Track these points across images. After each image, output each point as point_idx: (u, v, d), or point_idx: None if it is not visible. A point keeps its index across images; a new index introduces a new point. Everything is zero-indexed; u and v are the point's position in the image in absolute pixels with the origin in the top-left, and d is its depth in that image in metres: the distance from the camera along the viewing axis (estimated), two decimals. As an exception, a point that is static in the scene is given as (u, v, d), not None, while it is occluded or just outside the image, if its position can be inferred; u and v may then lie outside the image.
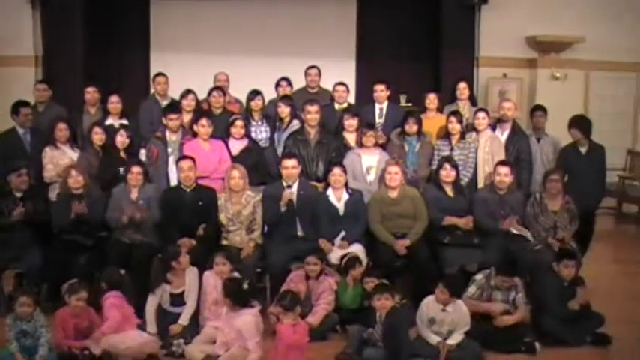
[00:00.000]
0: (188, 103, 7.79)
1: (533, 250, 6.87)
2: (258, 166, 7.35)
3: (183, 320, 5.96)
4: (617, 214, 11.20)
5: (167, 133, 7.46)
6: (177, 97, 8.03)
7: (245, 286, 5.65)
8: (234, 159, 7.26)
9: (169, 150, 7.40)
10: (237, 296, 5.55)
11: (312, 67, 8.61)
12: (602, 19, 11.24)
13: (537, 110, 8.07)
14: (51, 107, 8.15)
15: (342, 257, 6.51)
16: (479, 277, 6.23)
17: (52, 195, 7.19)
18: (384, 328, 5.61)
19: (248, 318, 5.43)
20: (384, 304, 5.67)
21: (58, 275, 6.19)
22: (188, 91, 7.87)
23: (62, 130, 7.30)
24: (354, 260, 6.41)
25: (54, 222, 6.76)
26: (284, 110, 7.68)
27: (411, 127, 7.45)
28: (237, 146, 7.41)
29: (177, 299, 6.03)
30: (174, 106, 7.71)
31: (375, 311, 5.72)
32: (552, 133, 8.02)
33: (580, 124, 7.66)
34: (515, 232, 6.87)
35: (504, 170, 6.97)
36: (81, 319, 5.55)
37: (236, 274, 5.99)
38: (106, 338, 5.48)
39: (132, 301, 5.84)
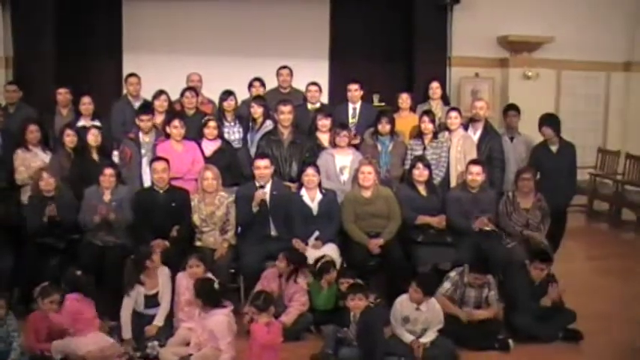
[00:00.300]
0: (160, 104, 7.77)
1: (505, 248, 6.92)
2: (232, 166, 7.33)
3: (159, 321, 5.95)
4: (589, 211, 11.31)
5: (140, 134, 7.41)
6: (150, 98, 8.00)
7: (216, 286, 5.63)
8: (208, 160, 7.24)
9: (143, 151, 7.36)
10: (208, 297, 5.54)
11: (284, 67, 8.60)
12: (571, 19, 11.39)
13: (510, 110, 8.11)
14: (21, 109, 8.09)
15: (317, 261, 6.48)
16: (453, 274, 6.27)
17: (24, 197, 7.10)
18: (358, 327, 5.63)
19: (220, 318, 5.42)
20: (357, 304, 5.67)
21: (30, 279, 6.10)
22: (160, 92, 7.85)
23: (33, 131, 7.23)
24: (328, 265, 6.40)
25: (26, 225, 6.68)
26: (257, 110, 7.68)
27: (384, 127, 7.47)
28: (210, 147, 7.38)
29: (152, 301, 6.01)
30: (147, 107, 7.67)
31: (349, 311, 5.73)
32: (524, 131, 8.08)
33: (551, 122, 7.71)
34: (487, 229, 6.91)
35: (476, 169, 7.00)
36: (53, 322, 5.50)
37: (209, 276, 5.97)
38: (65, 342, 5.45)
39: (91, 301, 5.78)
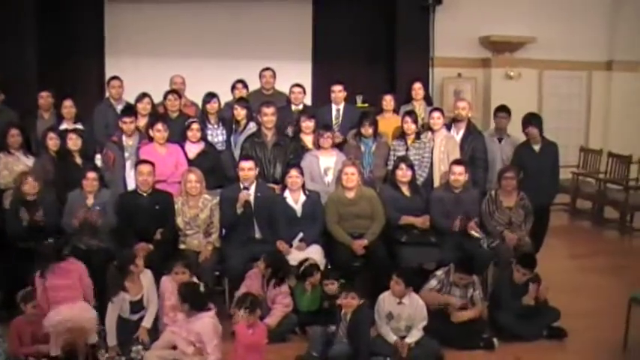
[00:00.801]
0: (144, 107, 7.73)
1: (489, 246, 6.94)
2: (215, 169, 7.32)
3: (147, 323, 5.90)
4: (572, 210, 11.35)
5: (123, 138, 7.39)
6: (132, 101, 7.97)
7: (202, 289, 5.60)
8: (191, 162, 7.22)
9: (126, 154, 7.34)
10: (194, 301, 5.49)
11: (267, 69, 8.60)
12: (553, 20, 11.47)
13: (500, 111, 8.06)
14: (3, 112, 8.03)
15: (300, 264, 6.49)
16: (439, 272, 6.31)
17: (6, 202, 7.06)
18: (350, 325, 5.64)
19: (206, 321, 5.40)
20: (349, 302, 5.68)
21: (13, 283, 6.05)
22: (143, 95, 7.82)
23: (14, 135, 7.18)
24: (312, 268, 6.41)
25: (8, 230, 6.64)
26: (240, 113, 7.67)
27: (367, 130, 7.48)
28: (193, 149, 7.37)
29: (137, 306, 5.94)
30: (130, 110, 7.64)
31: (340, 310, 5.74)
32: (512, 133, 8.09)
33: (537, 121, 7.74)
34: (476, 235, 6.91)
35: (459, 169, 7.02)
36: (37, 326, 5.47)
37: (194, 280, 5.95)
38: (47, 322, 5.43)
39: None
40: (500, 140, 7.93)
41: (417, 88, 8.36)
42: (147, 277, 6.02)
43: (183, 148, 7.34)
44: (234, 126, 7.76)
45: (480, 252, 6.83)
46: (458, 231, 6.91)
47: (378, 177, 7.49)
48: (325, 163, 7.39)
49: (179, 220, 6.79)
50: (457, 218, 6.93)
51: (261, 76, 8.58)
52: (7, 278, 6.29)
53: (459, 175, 7.01)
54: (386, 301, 5.85)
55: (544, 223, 7.73)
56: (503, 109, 8.08)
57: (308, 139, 7.61)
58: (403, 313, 5.81)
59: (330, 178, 7.37)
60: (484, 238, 6.94)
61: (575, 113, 12.25)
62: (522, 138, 7.86)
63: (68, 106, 7.82)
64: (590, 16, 11.83)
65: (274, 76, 8.59)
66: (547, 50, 11.49)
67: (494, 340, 6.03)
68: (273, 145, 7.39)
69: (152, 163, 6.83)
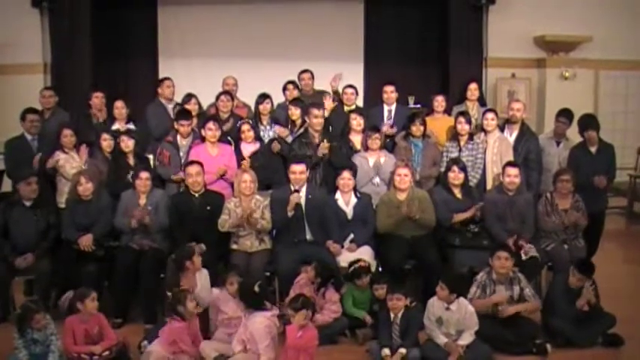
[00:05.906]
0: (192, 108, 7.81)
1: (544, 251, 6.83)
2: (263, 168, 7.31)
3: None
4: (628, 213, 11.11)
5: (178, 138, 7.46)
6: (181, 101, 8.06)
7: (257, 288, 5.58)
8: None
9: (181, 154, 7.40)
10: (249, 299, 5.48)
11: (305, 71, 8.66)
12: (610, 18, 11.24)
13: (560, 116, 7.87)
14: (57, 113, 8.15)
15: (350, 265, 6.44)
16: (479, 275, 6.19)
17: (61, 200, 7.17)
18: (402, 327, 5.67)
19: (259, 321, 5.38)
20: (396, 304, 5.70)
21: (67, 283, 6.14)
22: (190, 96, 7.92)
23: (67, 136, 7.26)
24: (360, 270, 6.34)
25: (63, 231, 6.74)
26: (294, 112, 7.71)
27: (418, 129, 7.45)
28: (249, 149, 7.42)
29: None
30: (187, 114, 7.64)
31: (388, 312, 5.73)
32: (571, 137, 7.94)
33: (595, 123, 7.58)
34: (524, 258, 6.68)
35: (513, 171, 6.92)
36: (91, 325, 5.52)
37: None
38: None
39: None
40: (558, 144, 7.79)
41: (473, 89, 8.28)
42: (203, 274, 6.07)
43: (238, 146, 7.42)
44: (289, 126, 7.78)
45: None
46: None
47: (423, 176, 7.44)
48: (373, 164, 7.34)
49: (232, 221, 6.80)
50: (512, 237, 6.81)
51: (299, 78, 8.60)
52: (62, 277, 6.41)
53: (515, 177, 6.90)
54: (435, 305, 5.78)
55: (599, 226, 7.58)
56: (565, 115, 7.87)
57: (357, 139, 7.58)
58: (451, 318, 5.72)
59: (378, 179, 7.32)
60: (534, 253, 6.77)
61: (631, 114, 11.96)
62: (579, 140, 7.71)
63: (119, 107, 7.92)
64: (648, 14, 11.57)
65: (312, 77, 8.62)
66: (603, 50, 11.27)
67: (548, 345, 5.89)
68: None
69: (200, 163, 6.87)
